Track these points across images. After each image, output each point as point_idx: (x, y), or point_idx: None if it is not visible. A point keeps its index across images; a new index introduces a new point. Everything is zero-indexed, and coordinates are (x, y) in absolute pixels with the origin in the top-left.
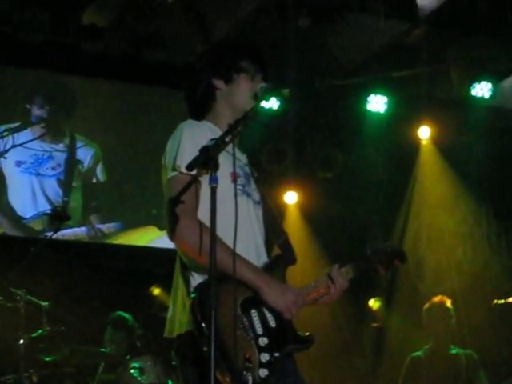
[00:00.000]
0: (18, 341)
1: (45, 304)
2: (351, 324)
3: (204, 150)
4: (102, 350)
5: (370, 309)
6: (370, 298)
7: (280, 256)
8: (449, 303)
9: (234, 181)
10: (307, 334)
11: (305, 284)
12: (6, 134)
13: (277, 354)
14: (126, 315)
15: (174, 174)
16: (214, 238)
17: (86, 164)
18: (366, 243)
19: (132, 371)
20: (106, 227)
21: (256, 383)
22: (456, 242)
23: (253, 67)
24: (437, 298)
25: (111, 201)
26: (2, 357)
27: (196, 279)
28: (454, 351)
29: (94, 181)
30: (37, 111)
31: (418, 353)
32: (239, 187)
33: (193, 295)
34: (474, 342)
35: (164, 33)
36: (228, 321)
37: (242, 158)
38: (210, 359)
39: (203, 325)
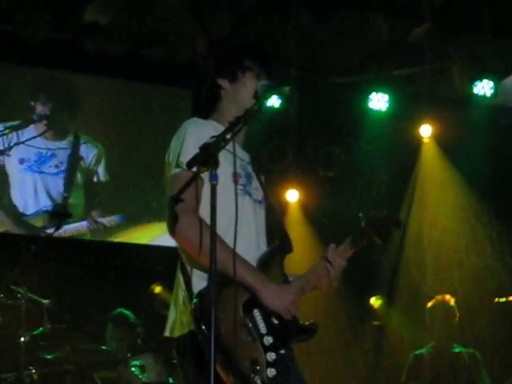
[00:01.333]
0: (19, 338)
1: (46, 302)
2: (352, 322)
3: (204, 148)
4: (103, 347)
5: (371, 307)
6: (371, 297)
7: (277, 245)
8: (452, 302)
9: (235, 181)
10: (310, 322)
11: (303, 272)
12: (7, 131)
13: (282, 351)
14: (127, 312)
15: (178, 170)
16: (215, 235)
17: (88, 162)
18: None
19: (133, 369)
20: (108, 220)
21: None
22: (458, 241)
23: (257, 66)
24: (440, 297)
25: (113, 200)
26: (3, 354)
27: (196, 279)
28: (456, 350)
29: (95, 180)
30: (40, 108)
31: (422, 350)
32: (240, 187)
33: (195, 300)
34: (475, 340)
35: (165, 31)
36: (231, 325)
37: (245, 156)
38: (210, 361)
39: (206, 330)
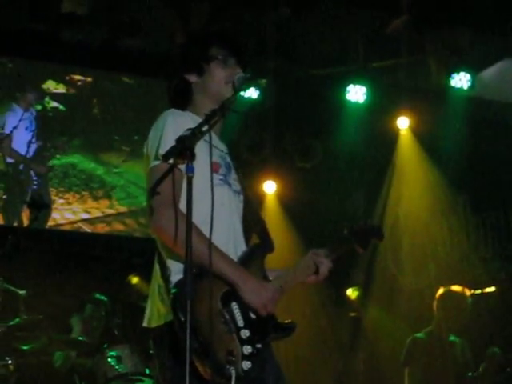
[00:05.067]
0: None
1: (22, 292)
2: (329, 313)
3: (180, 140)
4: (80, 338)
5: (347, 298)
6: (348, 288)
7: (258, 244)
8: (468, 296)
9: (215, 171)
10: (288, 321)
11: (285, 269)
12: None
13: (259, 345)
14: (103, 297)
15: (157, 163)
16: (190, 228)
17: None
18: (343, 224)
19: (109, 359)
20: None
21: (239, 376)
22: (434, 233)
23: (223, 52)
24: (456, 288)
25: None
26: None
27: (173, 271)
28: (451, 338)
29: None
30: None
31: (420, 334)
32: (220, 177)
33: (173, 291)
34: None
35: (143, 21)
36: (208, 316)
37: (223, 147)
38: (186, 350)
39: (183, 320)
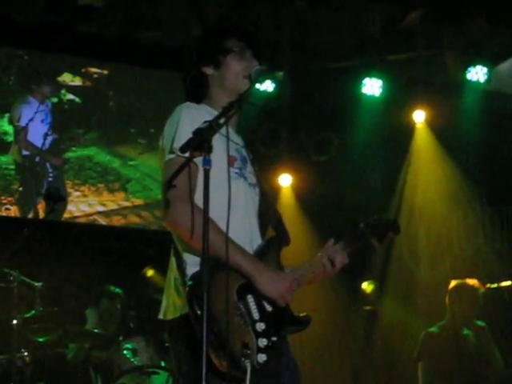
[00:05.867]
0: (11, 321)
1: (38, 284)
2: (344, 307)
3: (197, 133)
4: (95, 330)
5: (363, 292)
6: (363, 281)
7: (274, 237)
8: (481, 290)
9: (230, 164)
10: (303, 314)
11: (300, 264)
12: None
13: (274, 338)
14: (118, 289)
15: (172, 156)
16: (207, 221)
17: None
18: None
19: (125, 352)
20: None
21: (255, 369)
22: (449, 227)
23: (239, 45)
24: (471, 281)
25: None
26: None
27: (189, 263)
28: (465, 332)
29: None
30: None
31: (433, 328)
32: (236, 170)
33: (189, 283)
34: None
35: (159, 14)
36: (224, 308)
37: (239, 140)
38: (202, 343)
39: (199, 312)
